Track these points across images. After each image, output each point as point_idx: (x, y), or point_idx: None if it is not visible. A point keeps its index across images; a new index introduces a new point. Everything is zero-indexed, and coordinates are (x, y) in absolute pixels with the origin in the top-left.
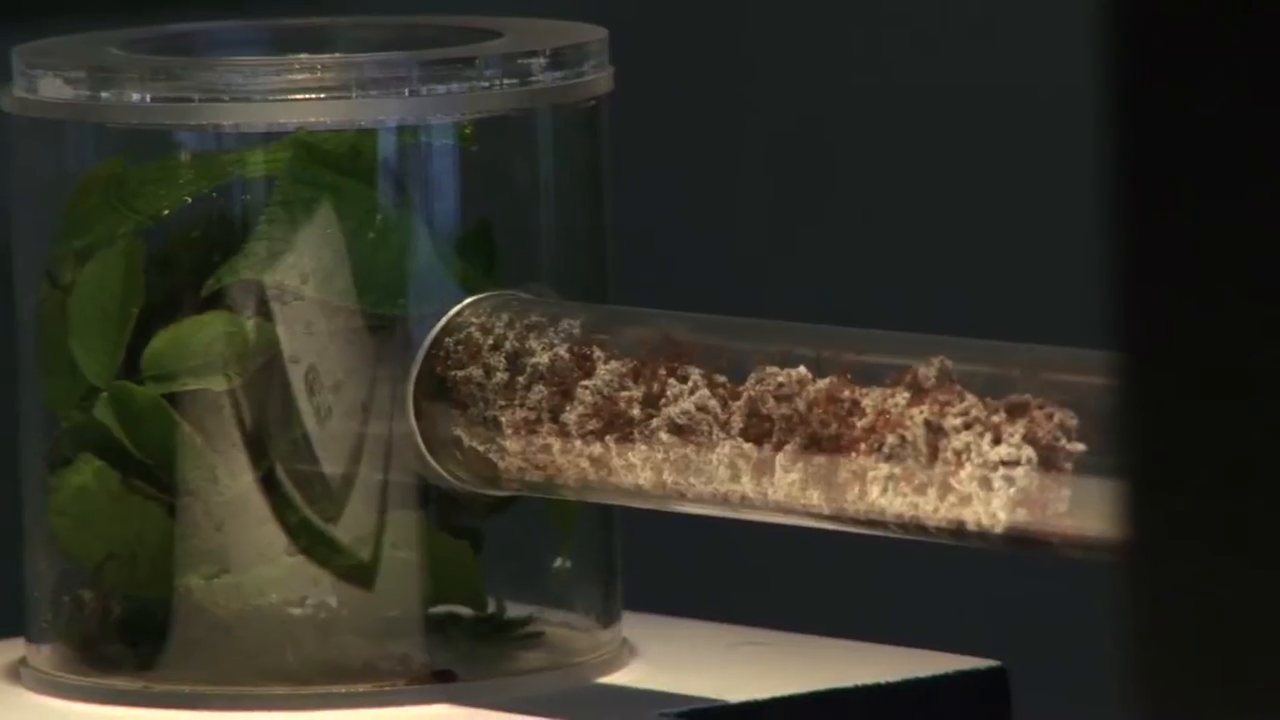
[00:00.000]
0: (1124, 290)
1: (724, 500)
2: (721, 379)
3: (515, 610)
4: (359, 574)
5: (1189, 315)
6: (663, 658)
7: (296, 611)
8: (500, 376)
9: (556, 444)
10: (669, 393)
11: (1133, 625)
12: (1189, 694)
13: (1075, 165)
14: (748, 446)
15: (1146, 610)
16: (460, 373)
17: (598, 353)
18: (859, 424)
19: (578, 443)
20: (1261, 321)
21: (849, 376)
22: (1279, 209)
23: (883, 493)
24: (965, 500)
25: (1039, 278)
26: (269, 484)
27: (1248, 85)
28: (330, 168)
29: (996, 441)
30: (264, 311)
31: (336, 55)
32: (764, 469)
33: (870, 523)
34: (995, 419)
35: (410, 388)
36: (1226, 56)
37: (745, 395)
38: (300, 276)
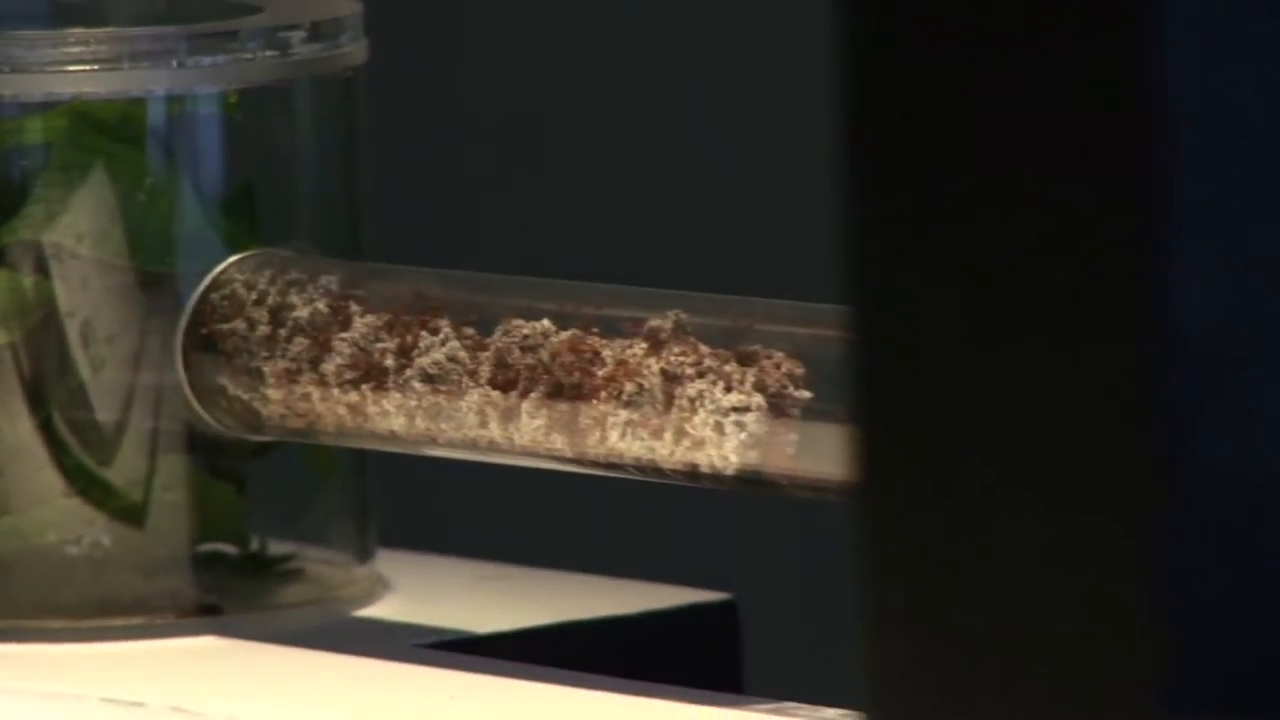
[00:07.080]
0: (852, 242)
1: (473, 445)
2: (470, 331)
3: (277, 548)
4: (131, 514)
5: (915, 267)
6: (415, 591)
7: (73, 550)
8: (263, 329)
9: (316, 392)
10: (421, 344)
11: (865, 563)
12: (920, 630)
13: (808, 123)
14: (495, 394)
15: (877, 549)
16: (226, 326)
17: (354, 307)
18: (599, 373)
19: (336, 391)
20: (990, 271)
21: (591, 329)
22: (1005, 167)
23: (621, 437)
24: (699, 444)
25: (768, 234)
26: (47, 430)
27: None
28: (104, 134)
29: (728, 389)
30: (42, 269)
31: (110, 29)
32: (510, 415)
33: (610, 465)
34: (727, 368)
35: (179, 340)
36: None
37: (493, 346)
38: (76, 236)
